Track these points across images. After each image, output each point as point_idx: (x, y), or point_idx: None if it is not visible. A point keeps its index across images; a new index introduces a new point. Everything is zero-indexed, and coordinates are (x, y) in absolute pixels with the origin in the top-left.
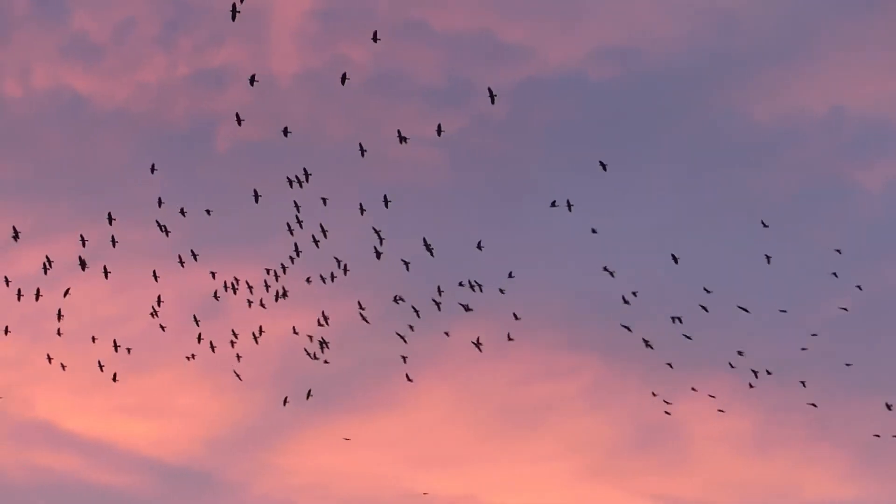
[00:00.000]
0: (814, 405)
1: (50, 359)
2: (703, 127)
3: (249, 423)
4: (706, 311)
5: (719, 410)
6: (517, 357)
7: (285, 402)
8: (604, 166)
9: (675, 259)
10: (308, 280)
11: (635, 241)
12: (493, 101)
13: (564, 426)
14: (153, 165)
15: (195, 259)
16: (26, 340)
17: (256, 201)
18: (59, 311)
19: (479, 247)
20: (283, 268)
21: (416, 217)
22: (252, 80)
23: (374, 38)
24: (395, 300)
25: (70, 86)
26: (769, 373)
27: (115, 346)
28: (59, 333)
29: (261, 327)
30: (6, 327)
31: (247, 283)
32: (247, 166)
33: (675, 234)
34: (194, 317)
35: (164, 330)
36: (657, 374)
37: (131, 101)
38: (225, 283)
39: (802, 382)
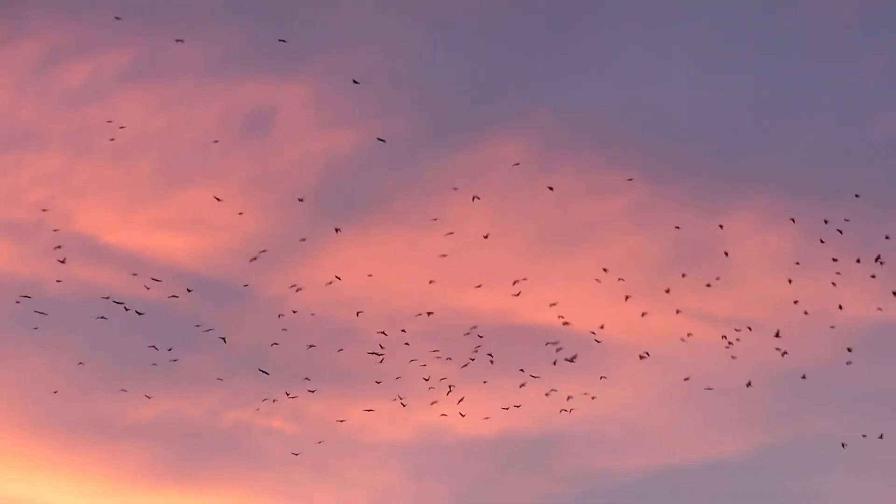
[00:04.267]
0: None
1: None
2: None
3: (290, 237)
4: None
5: (792, 220)
6: (560, 176)
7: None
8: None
9: None
10: (355, 81)
11: (682, 58)
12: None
13: (606, 246)
14: None
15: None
16: (69, 154)
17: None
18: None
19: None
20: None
21: (457, 30)
22: None
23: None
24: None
25: None
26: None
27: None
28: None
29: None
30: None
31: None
32: None
33: (724, 48)
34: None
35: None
36: (700, 193)
37: None
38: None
39: (858, 195)
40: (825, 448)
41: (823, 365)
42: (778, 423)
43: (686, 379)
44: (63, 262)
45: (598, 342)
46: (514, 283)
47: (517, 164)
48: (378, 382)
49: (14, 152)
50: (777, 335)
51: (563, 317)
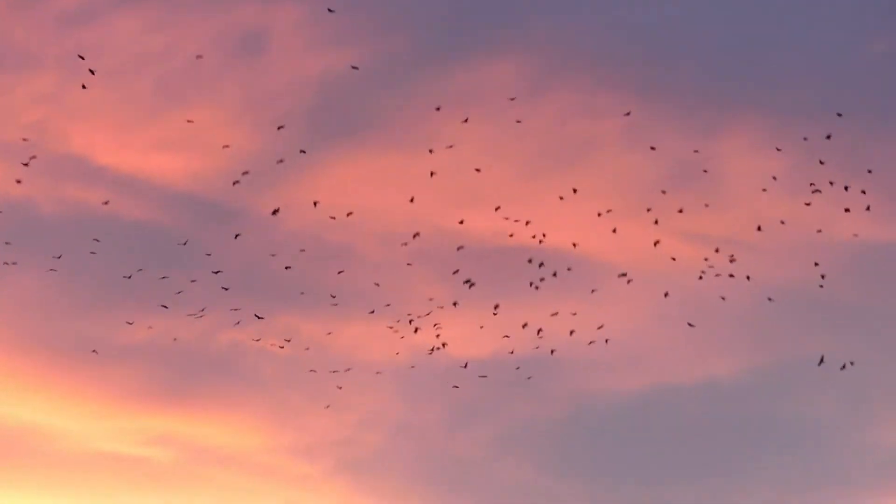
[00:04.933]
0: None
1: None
2: None
3: (283, 158)
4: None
5: (777, 149)
6: (554, 97)
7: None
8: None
9: None
10: (330, 9)
11: None
12: None
13: (600, 166)
14: None
15: None
16: (63, 75)
17: None
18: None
19: None
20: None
21: None
22: None
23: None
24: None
25: None
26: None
27: None
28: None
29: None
30: None
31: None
32: None
33: None
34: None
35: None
36: (694, 113)
37: None
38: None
39: (839, 113)
40: (817, 368)
41: (811, 286)
42: (770, 343)
43: (666, 294)
44: (19, 182)
45: (626, 277)
46: (497, 208)
47: (513, 98)
48: (371, 311)
49: (8, 73)
50: (732, 260)
51: (536, 236)
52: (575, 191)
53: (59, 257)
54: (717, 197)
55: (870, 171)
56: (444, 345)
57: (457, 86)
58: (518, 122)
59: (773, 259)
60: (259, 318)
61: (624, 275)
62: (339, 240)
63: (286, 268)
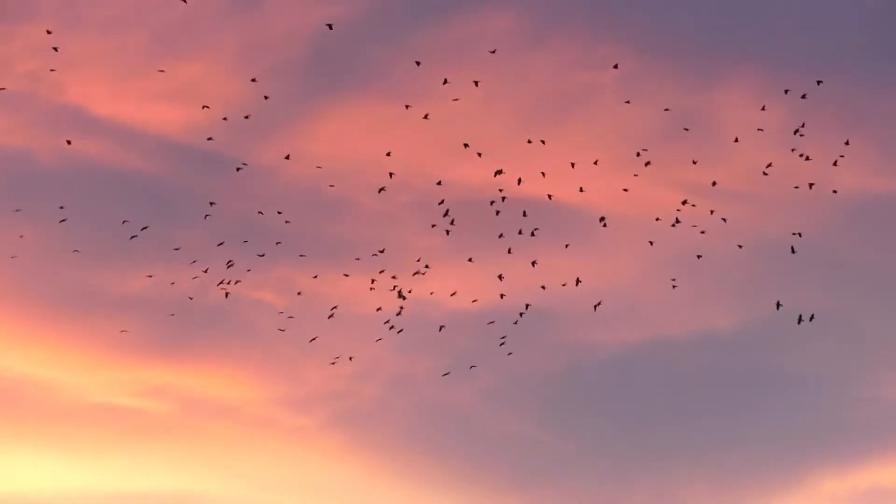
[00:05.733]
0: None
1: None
2: None
3: (282, 108)
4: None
5: (762, 109)
6: (550, 48)
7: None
8: None
9: None
10: None
11: None
12: None
13: (597, 117)
14: None
15: None
16: (61, 26)
17: None
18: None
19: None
20: None
21: None
22: None
23: None
24: None
25: None
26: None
27: None
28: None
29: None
30: None
31: None
32: None
33: None
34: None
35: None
36: (691, 65)
37: None
38: None
39: (819, 82)
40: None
41: (802, 240)
42: (762, 296)
43: (651, 243)
44: None
45: (603, 222)
46: (479, 154)
47: (493, 51)
48: (363, 258)
49: (5, 23)
50: (684, 202)
51: (508, 192)
52: (543, 142)
53: (62, 217)
54: (714, 148)
55: (847, 143)
56: (402, 296)
57: (454, 37)
58: (475, 82)
59: (757, 212)
60: (233, 287)
61: (602, 219)
62: (335, 191)
63: (286, 222)
